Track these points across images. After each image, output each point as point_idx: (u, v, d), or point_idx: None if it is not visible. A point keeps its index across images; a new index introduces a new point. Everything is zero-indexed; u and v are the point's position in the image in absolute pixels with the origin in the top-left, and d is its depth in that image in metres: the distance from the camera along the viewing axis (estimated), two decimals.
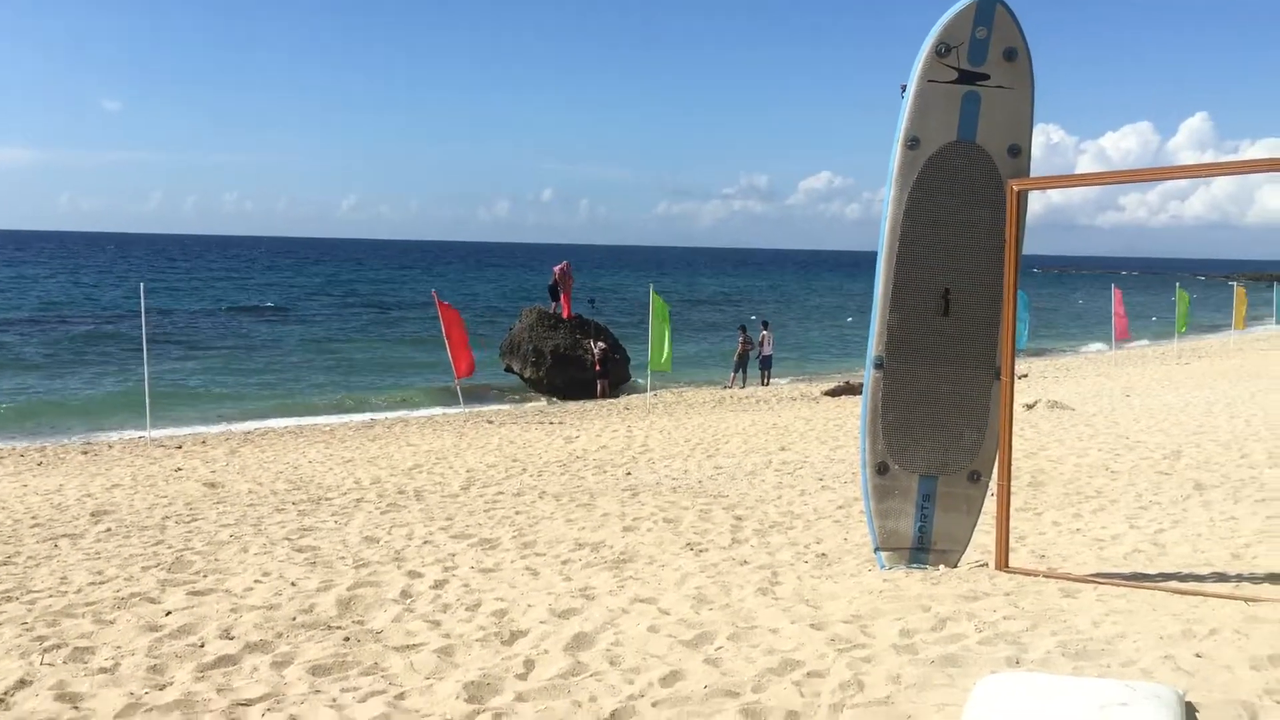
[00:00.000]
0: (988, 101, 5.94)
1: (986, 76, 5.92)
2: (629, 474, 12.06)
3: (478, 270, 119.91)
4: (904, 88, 5.98)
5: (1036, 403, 17.31)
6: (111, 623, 5.91)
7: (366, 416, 22.67)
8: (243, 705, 4.58)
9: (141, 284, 18.89)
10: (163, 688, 4.83)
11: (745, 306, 66.76)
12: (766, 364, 29.13)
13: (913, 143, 5.97)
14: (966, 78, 5.92)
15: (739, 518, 8.80)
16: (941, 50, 5.89)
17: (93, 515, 9.88)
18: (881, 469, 6.18)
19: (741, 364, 28.79)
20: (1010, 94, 5.95)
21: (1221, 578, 6.02)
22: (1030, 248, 6.16)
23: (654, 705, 4.31)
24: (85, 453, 16.19)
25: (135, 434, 18.99)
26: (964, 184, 5.98)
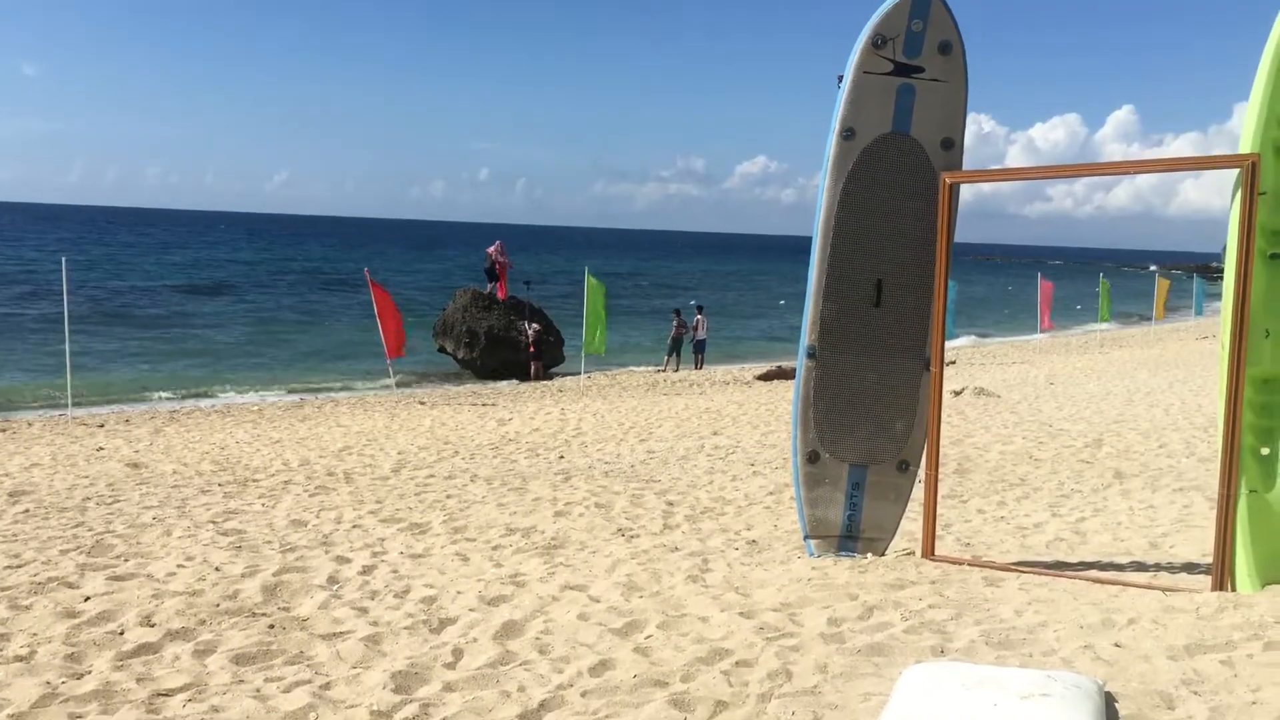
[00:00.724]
0: (922, 94, 5.97)
1: (921, 70, 5.95)
2: (562, 458, 12.01)
3: (414, 250, 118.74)
4: (840, 78, 5.99)
5: (964, 390, 17.58)
6: (28, 608, 5.74)
7: (295, 396, 22.35)
8: (163, 695, 4.48)
9: (64, 258, 18.38)
10: (80, 677, 4.70)
11: (680, 290, 66.91)
12: (700, 348, 29.25)
13: (848, 134, 5.98)
14: (902, 70, 5.94)
15: (671, 503, 8.81)
16: (878, 42, 5.91)
17: (10, 495, 9.60)
18: (812, 458, 6.22)
19: (675, 347, 28.89)
20: (944, 87, 5.99)
21: (1140, 567, 6.16)
22: (960, 235, 6.22)
23: (583, 695, 4.29)
24: (3, 430, 15.73)
25: (56, 413, 18.52)
26: (898, 175, 6.02)
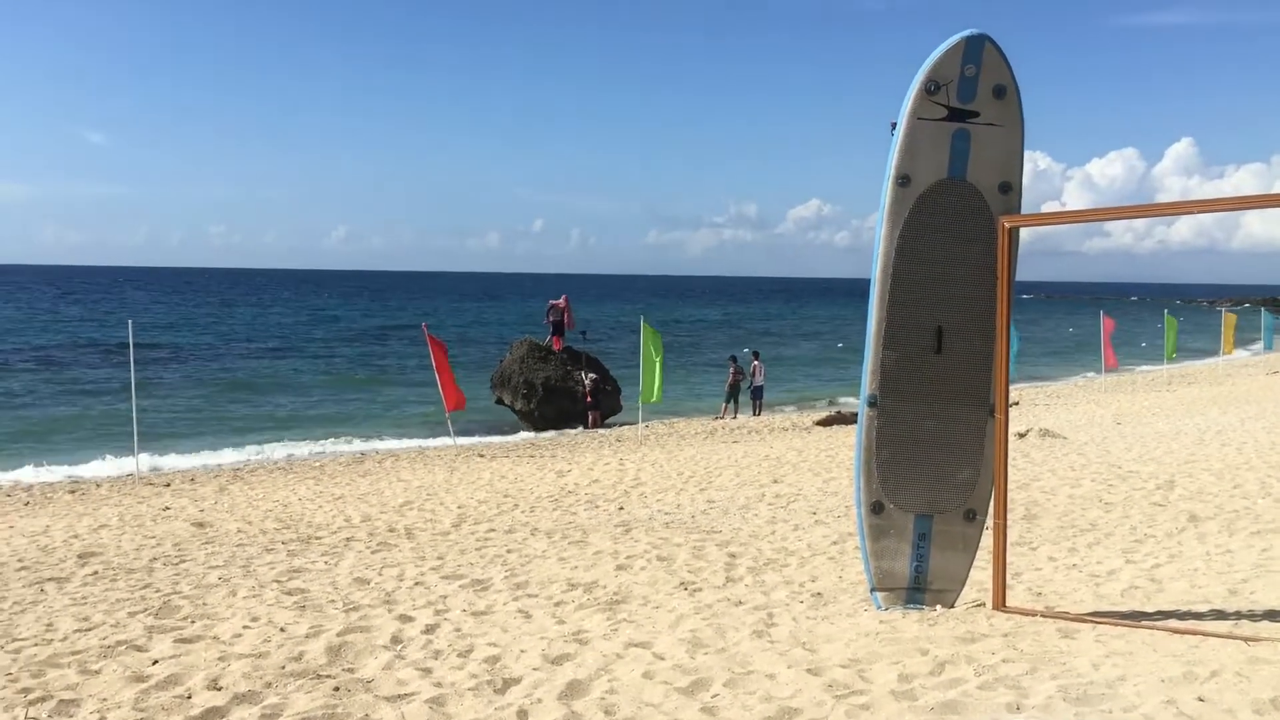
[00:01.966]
0: (977, 139, 5.93)
1: (976, 114, 5.92)
2: (621, 509, 11.98)
3: (472, 301, 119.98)
4: (894, 125, 5.98)
5: (1028, 431, 17.30)
6: (97, 673, 5.81)
7: (357, 451, 22.55)
8: None
9: (130, 321, 18.79)
10: None
11: (736, 335, 66.84)
12: (758, 394, 29.13)
13: (903, 180, 5.95)
14: (956, 115, 5.91)
15: (733, 555, 8.73)
16: (931, 88, 5.89)
17: (80, 557, 9.77)
18: (876, 508, 6.13)
19: (732, 394, 28.80)
20: (1000, 131, 5.95)
21: (1220, 615, 5.97)
22: (1018, 273, 6.15)
23: None
24: (73, 492, 16.05)
25: (124, 473, 18.85)
26: (955, 221, 5.97)
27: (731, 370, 29.07)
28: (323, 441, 24.20)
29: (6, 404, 30.23)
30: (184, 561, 9.41)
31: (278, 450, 22.85)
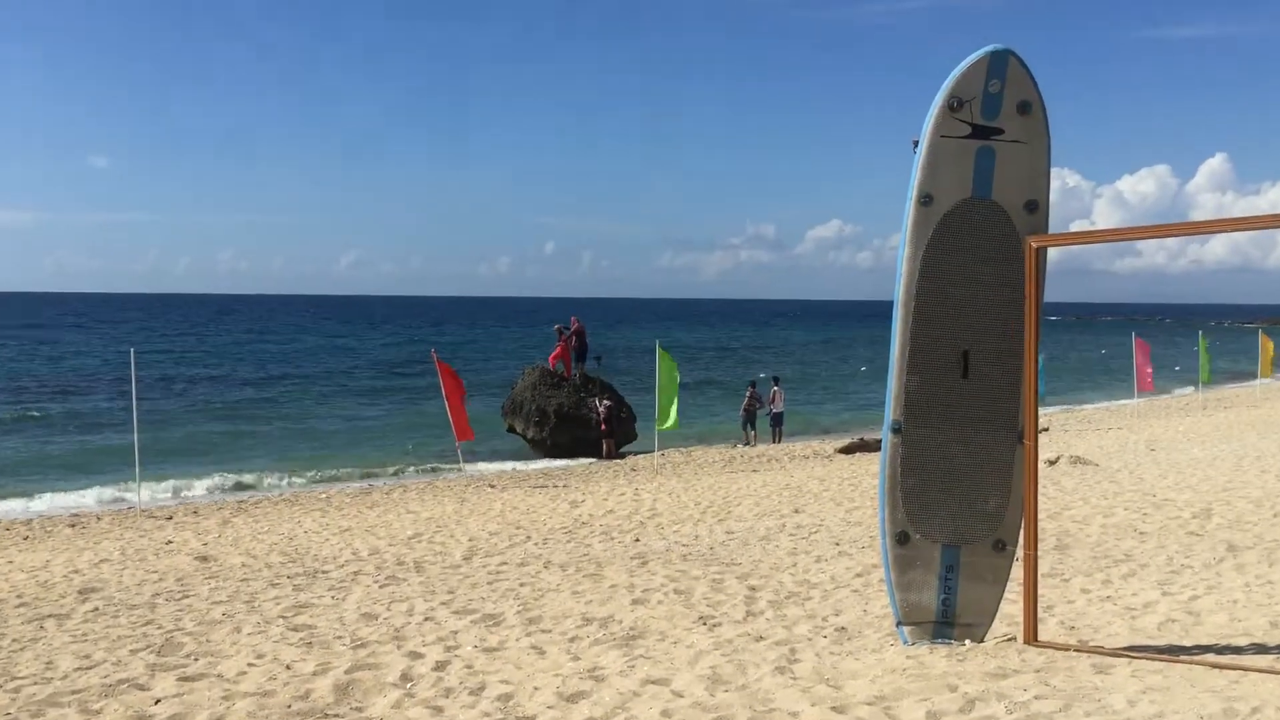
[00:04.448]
0: (1002, 156, 5.94)
1: (1001, 131, 5.92)
2: (637, 540, 11.96)
3: (482, 326, 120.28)
4: (915, 143, 5.99)
5: (1059, 459, 17.21)
6: (98, 712, 5.82)
7: (364, 482, 22.60)
8: None
9: (132, 349, 18.91)
10: None
11: (754, 360, 66.80)
12: (778, 421, 29.09)
13: (926, 200, 5.96)
14: (980, 132, 5.92)
15: (753, 588, 8.70)
16: (954, 104, 5.90)
17: (80, 593, 9.79)
18: (902, 539, 6.11)
19: (749, 420, 28.70)
20: (1025, 148, 5.95)
21: (1261, 649, 5.92)
22: (1046, 295, 6.14)
23: None
24: (73, 525, 16.11)
25: (125, 506, 18.91)
26: (980, 241, 5.97)
27: (748, 395, 29.02)
28: (329, 472, 24.27)
29: (6, 435, 30.41)
30: (187, 597, 9.42)
31: (283, 481, 22.93)
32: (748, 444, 27.99)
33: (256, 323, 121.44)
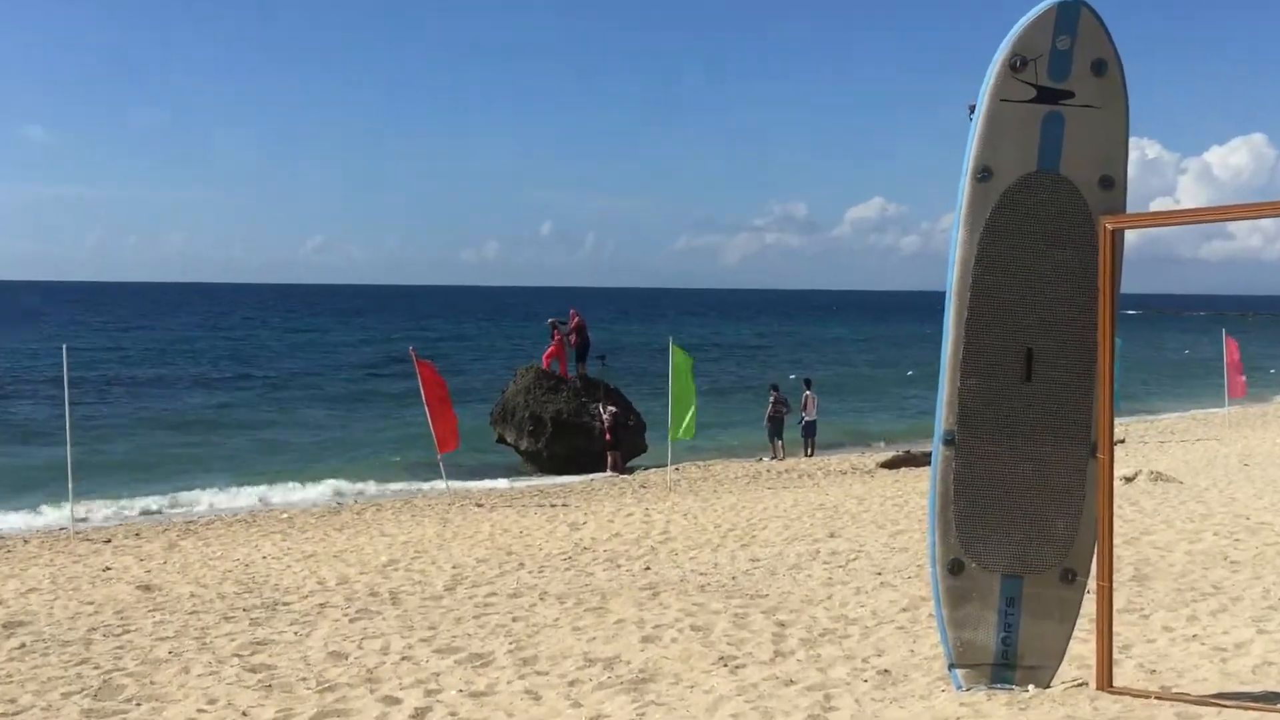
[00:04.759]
0: (1073, 124, 5.92)
1: (1071, 94, 5.90)
2: (648, 569, 11.98)
3: (467, 320, 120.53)
4: (972, 109, 5.97)
5: (1136, 475, 17.19)
6: None
7: (332, 499, 22.64)
8: None
9: (64, 346, 18.96)
10: None
11: (782, 359, 66.81)
12: (810, 430, 29.06)
13: (984, 174, 5.94)
14: (1047, 96, 5.90)
15: (782, 624, 8.70)
16: (1016, 64, 5.88)
17: (4, 627, 9.83)
18: (955, 567, 6.09)
19: (775, 429, 28.63)
20: (1100, 114, 5.93)
21: None
22: (1123, 284, 6.11)
23: None
24: None
25: (57, 527, 18.98)
26: (1046, 223, 5.95)
27: (771, 400, 28.92)
28: (292, 489, 24.32)
29: None
30: (128, 632, 9.45)
31: (238, 499, 22.98)
32: (775, 457, 27.99)
33: (211, 316, 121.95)
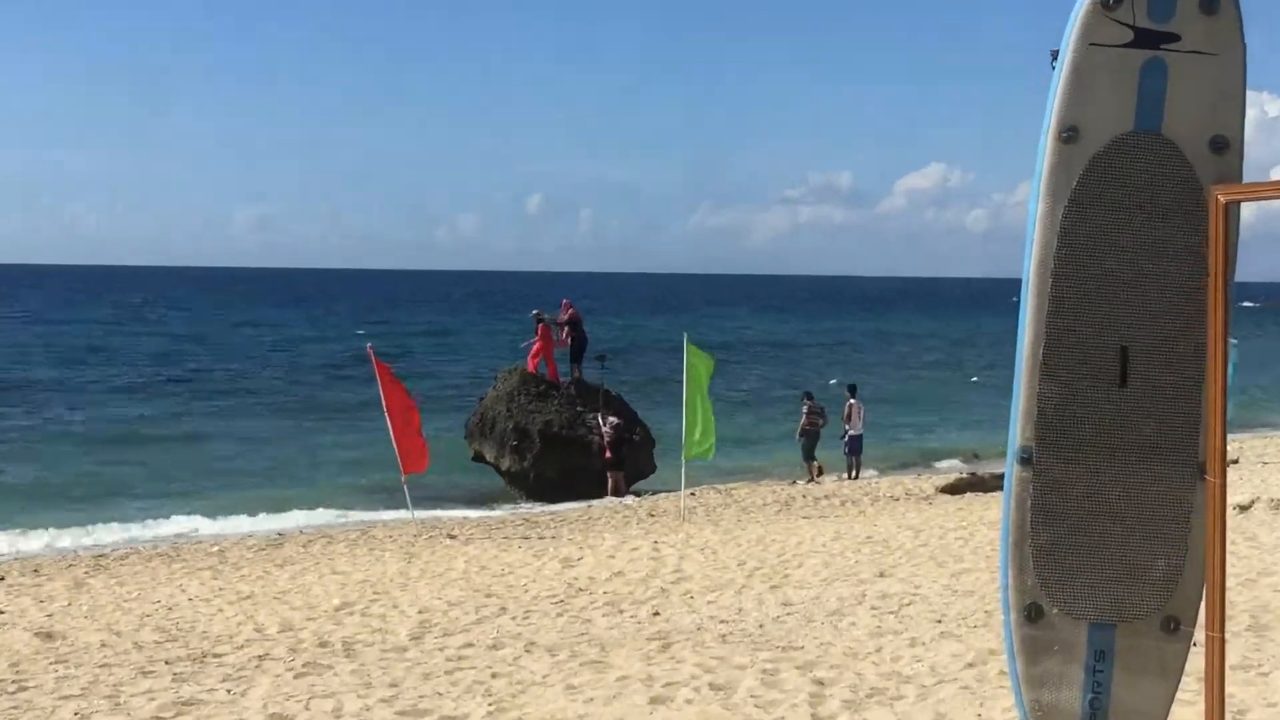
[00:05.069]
0: (1178, 74, 5.89)
1: (1176, 37, 5.88)
2: (657, 615, 11.98)
3: (438, 313, 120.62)
4: (1054, 55, 5.95)
5: (1253, 502, 17.17)
6: None
7: (272, 529, 22.64)
8: None
9: None
10: None
11: (821, 360, 66.81)
12: (855, 447, 29.01)
13: (1069, 134, 5.92)
14: (1146, 39, 5.87)
15: (820, 682, 8.70)
16: (1109, 1, 5.87)
17: None
18: (1033, 613, 6.07)
19: (809, 445, 28.57)
20: (1211, 63, 5.90)
21: None
22: (1239, 269, 6.08)
23: None
24: None
25: None
26: (1145, 193, 5.92)
27: (805, 411, 28.83)
28: (225, 516, 24.34)
29: None
30: (24, 689, 9.45)
31: (160, 528, 23.00)
32: (812, 479, 27.97)
33: (131, 307, 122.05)
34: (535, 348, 29.79)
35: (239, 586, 14.96)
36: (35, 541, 21.47)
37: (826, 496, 24.57)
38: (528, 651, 10.26)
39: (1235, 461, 25.52)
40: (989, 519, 17.91)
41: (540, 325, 29.91)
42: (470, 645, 10.66)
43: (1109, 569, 6.05)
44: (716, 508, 23.20)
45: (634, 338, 78.27)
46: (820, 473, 28.52)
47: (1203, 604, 6.03)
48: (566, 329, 29.58)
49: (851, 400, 29.19)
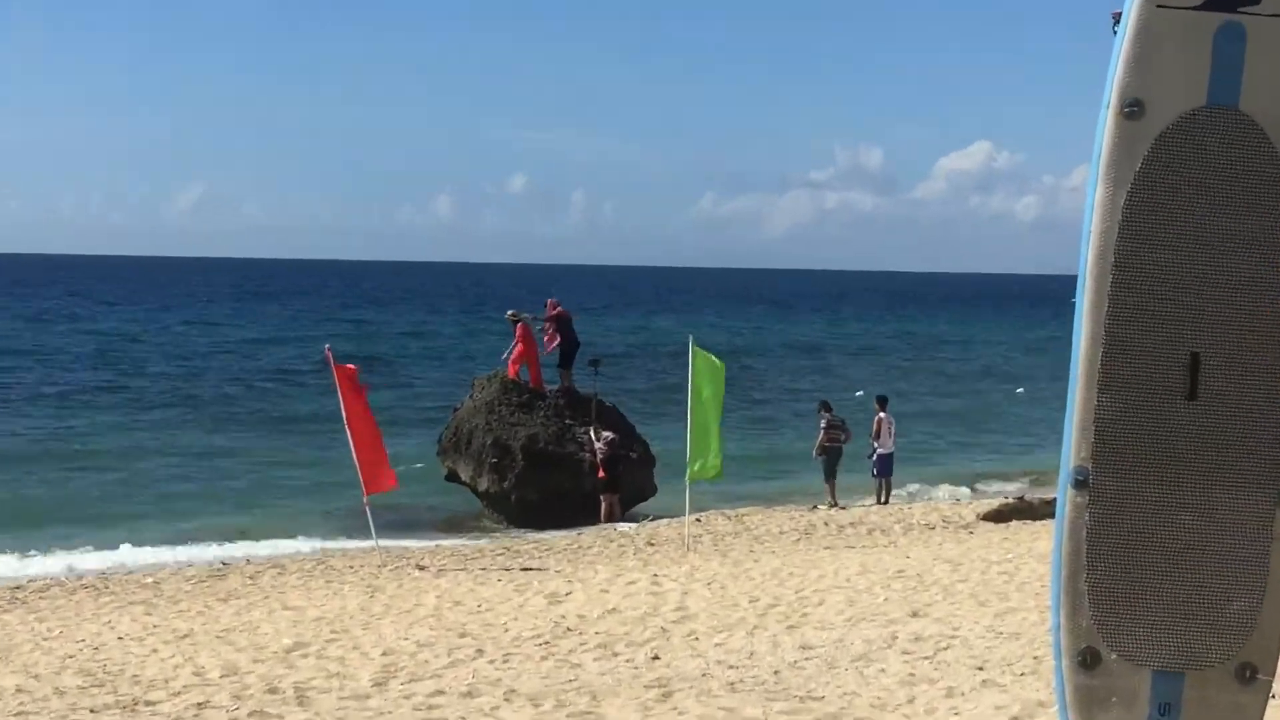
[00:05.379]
0: (1258, 39, 5.89)
1: None
2: (656, 658, 11.97)
3: (409, 311, 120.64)
4: (1116, 18, 5.96)
5: None
6: None
7: (214, 558, 22.62)
8: None
9: None
10: None
11: (846, 368, 66.86)
12: (885, 467, 28.99)
13: (1132, 109, 5.92)
14: (1221, 1, 5.89)
15: None
16: None
17: None
18: (1089, 660, 6.07)
19: (829, 465, 28.50)
20: None
21: None
22: None
23: None
24: None
25: None
26: (1220, 177, 5.93)
27: (823, 425, 28.76)
28: (160, 544, 24.33)
29: None
30: None
31: (86, 558, 22.97)
32: (833, 504, 27.95)
33: (60, 301, 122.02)
34: (516, 352, 29.65)
35: (176, 624, 14.94)
36: None
37: (852, 524, 24.58)
38: (507, 700, 10.25)
39: None
40: (1038, 551, 17.91)
41: (519, 326, 29.75)
42: (441, 692, 10.65)
43: (1176, 609, 6.05)
44: (725, 536, 23.21)
45: (632, 340, 78.36)
46: (832, 495, 28.36)
47: None
48: (552, 328, 29.48)
49: (881, 414, 29.16)
